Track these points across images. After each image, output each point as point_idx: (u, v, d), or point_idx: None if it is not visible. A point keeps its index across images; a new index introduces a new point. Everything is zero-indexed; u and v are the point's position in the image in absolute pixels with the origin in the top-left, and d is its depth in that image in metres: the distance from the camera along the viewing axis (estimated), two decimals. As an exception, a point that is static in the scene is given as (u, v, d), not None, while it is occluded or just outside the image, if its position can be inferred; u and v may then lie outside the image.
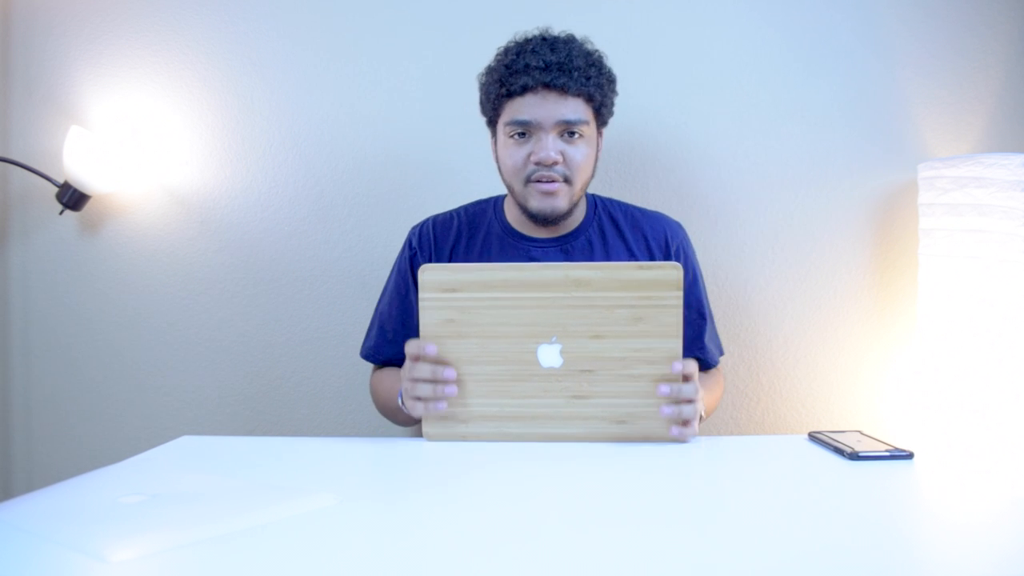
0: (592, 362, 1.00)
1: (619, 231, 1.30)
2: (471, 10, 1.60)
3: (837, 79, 1.59)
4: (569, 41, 1.19)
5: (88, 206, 1.59)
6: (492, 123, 1.25)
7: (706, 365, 1.32)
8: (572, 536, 0.69)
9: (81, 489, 0.80)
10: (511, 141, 1.19)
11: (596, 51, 1.22)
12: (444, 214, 1.36)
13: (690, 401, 1.00)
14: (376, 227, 1.62)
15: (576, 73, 1.15)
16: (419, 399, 1.01)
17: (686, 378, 1.01)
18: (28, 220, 1.64)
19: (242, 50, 1.61)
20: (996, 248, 1.34)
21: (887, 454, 0.92)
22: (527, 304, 1.00)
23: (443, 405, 1.00)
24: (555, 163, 1.16)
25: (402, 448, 1.01)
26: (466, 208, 1.36)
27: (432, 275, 1.01)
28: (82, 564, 0.61)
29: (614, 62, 1.25)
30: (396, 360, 1.31)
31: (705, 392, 1.21)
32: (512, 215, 1.30)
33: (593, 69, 1.18)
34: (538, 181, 1.18)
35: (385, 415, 1.31)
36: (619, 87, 1.26)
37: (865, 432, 1.03)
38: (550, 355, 1.00)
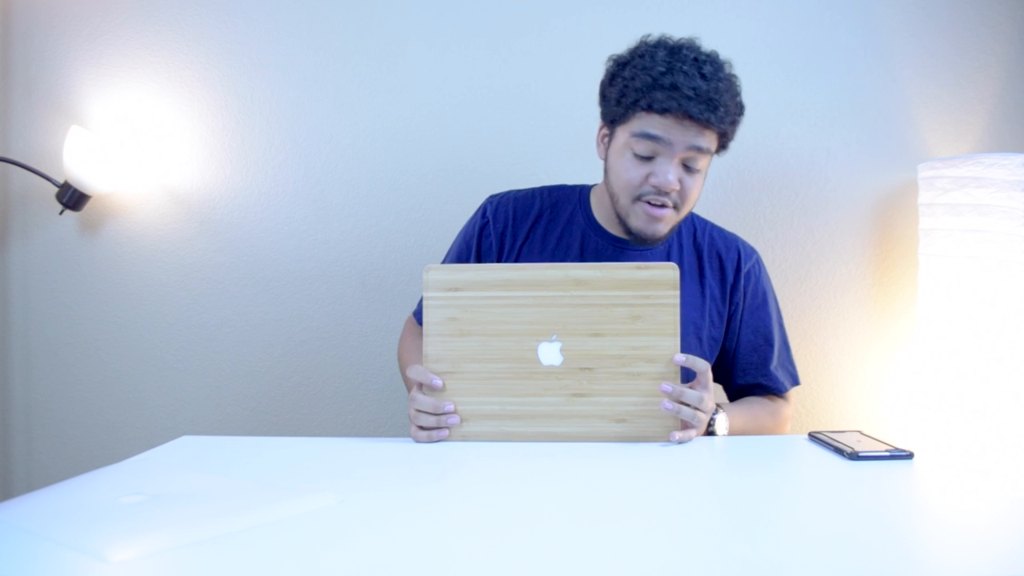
0: (591, 360, 1.01)
1: (696, 247, 1.27)
2: (471, 11, 1.60)
3: (837, 79, 1.59)
4: (718, 67, 1.13)
5: (88, 206, 1.59)
6: (613, 122, 1.17)
7: (773, 391, 1.29)
8: (572, 535, 0.69)
9: (81, 489, 0.80)
10: (631, 154, 1.13)
11: (736, 80, 1.17)
12: (525, 191, 1.30)
13: (691, 406, 1.00)
14: (376, 227, 1.62)
15: (721, 110, 1.11)
16: (422, 428, 1.03)
17: (691, 385, 1.02)
18: (28, 220, 1.64)
19: (242, 50, 1.61)
20: (996, 248, 1.34)
21: (887, 454, 0.92)
22: (528, 303, 1.01)
23: (445, 433, 1.02)
24: (672, 191, 1.13)
25: (402, 448, 1.01)
26: (549, 190, 1.31)
27: (436, 275, 1.03)
28: (82, 564, 0.61)
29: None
30: None
31: (744, 414, 1.19)
32: (600, 211, 1.26)
33: (734, 105, 1.14)
34: (648, 203, 1.14)
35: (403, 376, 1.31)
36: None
37: (865, 432, 1.03)
38: (550, 353, 1.01)
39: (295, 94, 1.61)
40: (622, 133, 1.14)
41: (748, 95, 1.58)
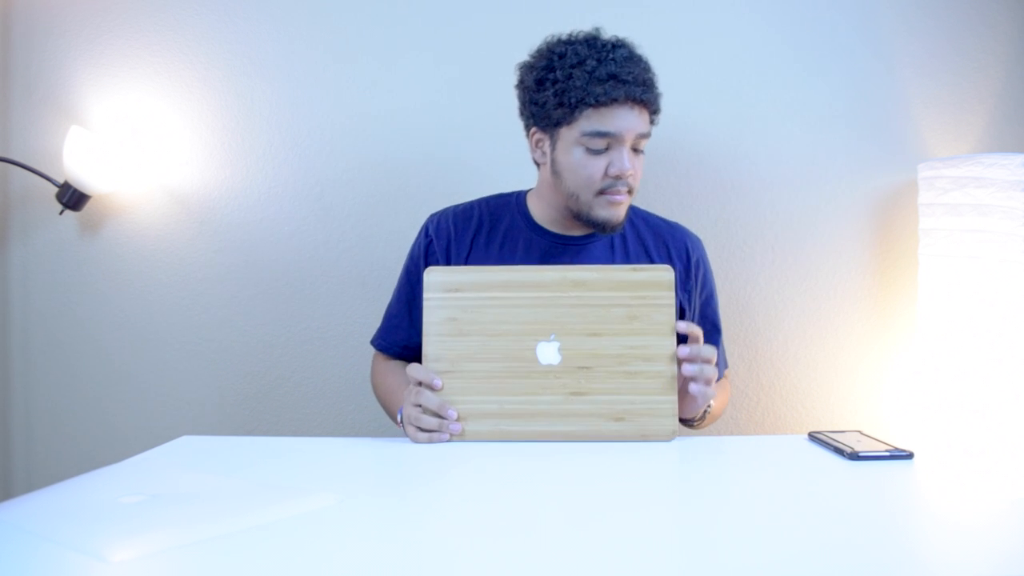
0: (589, 359, 1.02)
1: (640, 238, 1.29)
2: (471, 9, 1.60)
3: (837, 79, 1.59)
4: (631, 48, 1.18)
5: (88, 206, 1.59)
6: (554, 125, 1.17)
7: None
8: (572, 535, 0.69)
9: (81, 489, 0.80)
10: (585, 151, 1.15)
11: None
12: (463, 205, 1.33)
13: (708, 361, 1.03)
14: (376, 227, 1.62)
15: (654, 89, 1.16)
16: (421, 429, 1.03)
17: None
18: (28, 220, 1.64)
19: (242, 50, 1.61)
20: (996, 248, 1.34)
21: (887, 454, 0.92)
22: (526, 303, 1.03)
23: (446, 436, 1.02)
24: (630, 176, 1.16)
25: (402, 448, 1.01)
26: (487, 200, 1.33)
27: (436, 276, 1.05)
28: (82, 564, 0.61)
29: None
30: (400, 348, 1.31)
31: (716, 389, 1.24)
32: (538, 211, 1.28)
33: (657, 84, 1.18)
34: (610, 193, 1.16)
35: (382, 406, 1.32)
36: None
37: (865, 432, 1.03)
38: (548, 352, 1.02)
39: (295, 94, 1.61)
40: (568, 133, 1.15)
41: (748, 95, 1.60)
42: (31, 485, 1.65)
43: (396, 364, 1.31)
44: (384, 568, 0.62)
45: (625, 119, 1.13)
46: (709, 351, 1.03)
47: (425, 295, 1.04)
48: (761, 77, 1.59)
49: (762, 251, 1.60)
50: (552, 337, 1.02)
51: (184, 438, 1.06)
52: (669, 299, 1.02)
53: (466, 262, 1.26)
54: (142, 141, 1.61)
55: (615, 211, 1.18)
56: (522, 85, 1.22)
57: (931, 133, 1.59)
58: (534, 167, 1.60)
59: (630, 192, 1.19)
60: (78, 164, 1.50)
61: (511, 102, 1.60)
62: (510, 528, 0.71)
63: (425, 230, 1.31)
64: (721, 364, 1.32)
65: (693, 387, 1.01)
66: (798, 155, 1.59)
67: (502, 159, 1.61)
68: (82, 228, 1.64)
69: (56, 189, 1.55)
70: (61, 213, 1.57)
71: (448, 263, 1.27)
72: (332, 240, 1.62)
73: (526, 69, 1.21)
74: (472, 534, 0.69)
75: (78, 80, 1.62)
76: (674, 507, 0.79)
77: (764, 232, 1.60)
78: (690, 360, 1.02)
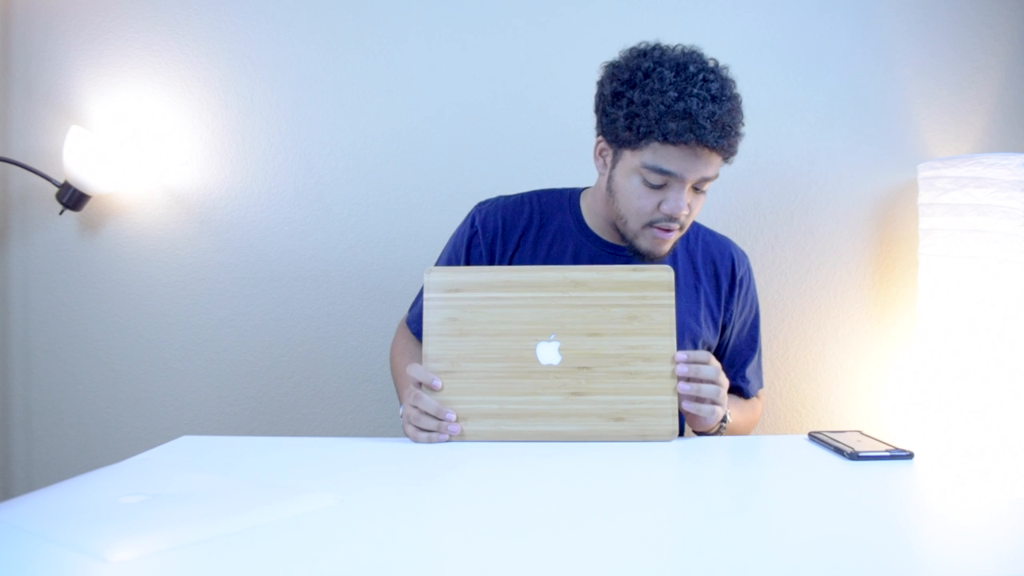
0: (589, 359, 1.02)
1: (689, 252, 1.26)
2: (472, 11, 1.60)
3: (837, 79, 1.59)
4: (724, 83, 1.08)
5: (88, 206, 1.59)
6: (619, 144, 1.11)
7: (744, 393, 1.30)
8: (571, 535, 0.69)
9: (81, 489, 0.80)
10: (640, 181, 1.09)
11: (737, 88, 1.11)
12: (514, 197, 1.28)
13: (711, 382, 1.01)
14: (376, 227, 1.62)
15: (732, 135, 1.07)
16: (421, 429, 1.03)
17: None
18: (28, 220, 1.64)
19: (242, 50, 1.61)
20: (996, 248, 1.34)
21: (887, 454, 0.92)
22: (526, 303, 1.03)
23: (445, 437, 1.02)
24: (683, 216, 1.11)
25: (402, 448, 1.01)
26: (538, 195, 1.28)
27: (437, 277, 1.04)
28: (82, 564, 0.61)
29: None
30: None
31: (732, 407, 1.19)
32: (591, 217, 1.24)
33: (741, 122, 1.10)
34: (658, 228, 1.12)
35: (392, 378, 1.32)
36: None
37: (865, 432, 1.03)
38: (548, 352, 1.02)
39: (295, 94, 1.61)
40: (631, 158, 1.09)
41: (748, 95, 1.58)
42: (31, 485, 1.65)
43: (416, 348, 1.30)
44: (384, 568, 0.62)
45: (691, 162, 1.06)
46: (708, 371, 1.01)
47: (425, 295, 1.04)
48: (761, 77, 1.59)
49: (762, 251, 1.60)
50: (552, 337, 1.02)
51: (184, 438, 1.06)
52: (669, 299, 1.02)
53: (511, 261, 1.23)
54: (142, 141, 1.61)
55: (659, 246, 1.14)
56: (601, 89, 1.14)
57: (931, 133, 1.59)
58: (536, 170, 1.61)
59: (681, 228, 1.14)
60: (78, 164, 1.50)
61: (511, 103, 1.60)
62: (510, 528, 0.71)
63: (472, 219, 1.27)
64: (755, 382, 1.30)
65: (687, 405, 1.01)
66: (798, 155, 1.59)
67: (503, 160, 1.61)
68: (82, 228, 1.64)
69: (56, 189, 1.55)
70: (61, 213, 1.57)
71: (491, 258, 1.24)
72: (332, 240, 1.62)
73: (609, 74, 1.12)
74: (472, 534, 0.69)
75: (78, 80, 1.62)
76: (674, 507, 0.79)
77: (764, 232, 1.60)
78: (687, 380, 1.01)
